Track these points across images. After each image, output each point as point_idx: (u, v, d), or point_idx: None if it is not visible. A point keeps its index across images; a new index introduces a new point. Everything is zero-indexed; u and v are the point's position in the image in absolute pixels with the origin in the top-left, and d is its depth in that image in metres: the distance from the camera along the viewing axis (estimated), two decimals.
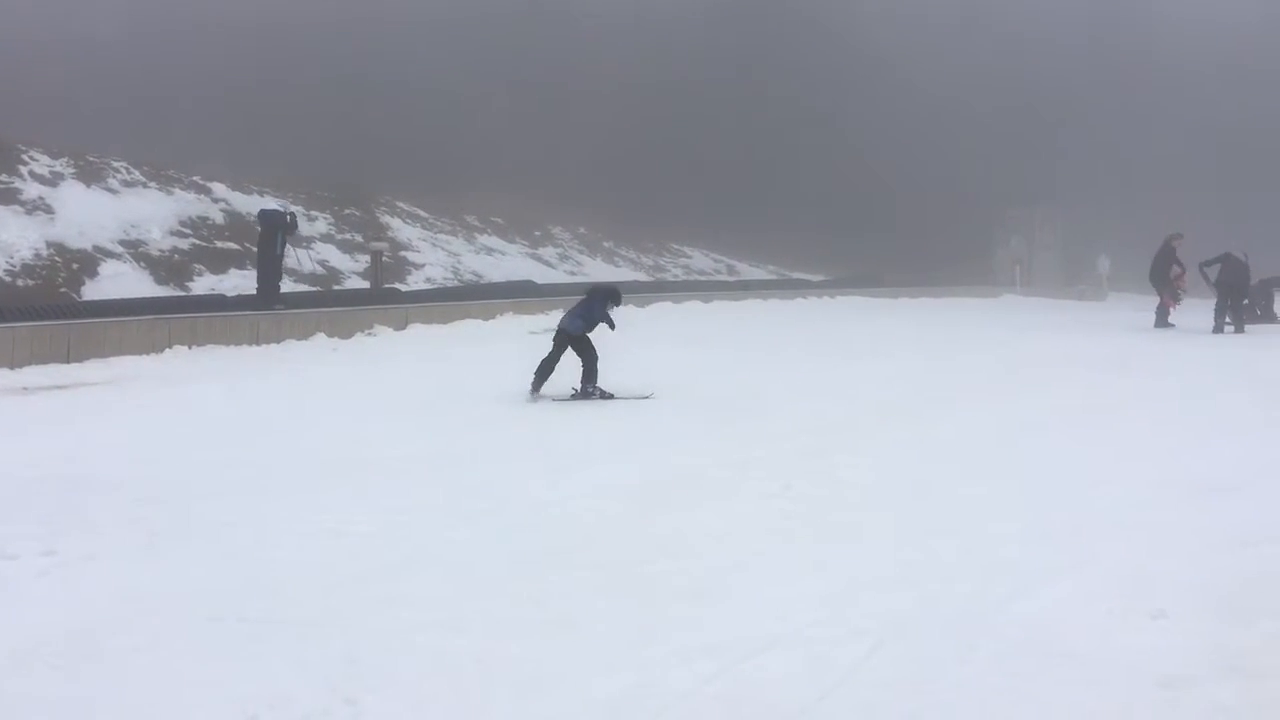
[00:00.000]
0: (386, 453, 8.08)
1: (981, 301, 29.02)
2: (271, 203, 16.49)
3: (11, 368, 11.15)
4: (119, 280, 15.04)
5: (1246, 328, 19.17)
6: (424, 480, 7.20)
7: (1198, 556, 5.51)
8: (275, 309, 14.96)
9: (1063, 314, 25.11)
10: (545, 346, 10.84)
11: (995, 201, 38.61)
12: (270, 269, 15.40)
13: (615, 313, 10.79)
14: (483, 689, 4.02)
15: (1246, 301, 19.59)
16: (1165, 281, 19.99)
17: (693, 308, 21.60)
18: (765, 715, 3.82)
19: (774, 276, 31.66)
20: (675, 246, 32.73)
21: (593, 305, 10.62)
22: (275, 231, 15.39)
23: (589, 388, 10.39)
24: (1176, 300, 20.10)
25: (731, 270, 32.31)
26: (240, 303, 15.16)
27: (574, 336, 10.44)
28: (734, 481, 7.30)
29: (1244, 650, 4.32)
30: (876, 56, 40.33)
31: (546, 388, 10.48)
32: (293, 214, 16.28)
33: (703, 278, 29.67)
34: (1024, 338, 17.59)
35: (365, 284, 18.39)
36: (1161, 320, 20.00)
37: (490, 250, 24.24)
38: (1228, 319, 19.01)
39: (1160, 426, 9.30)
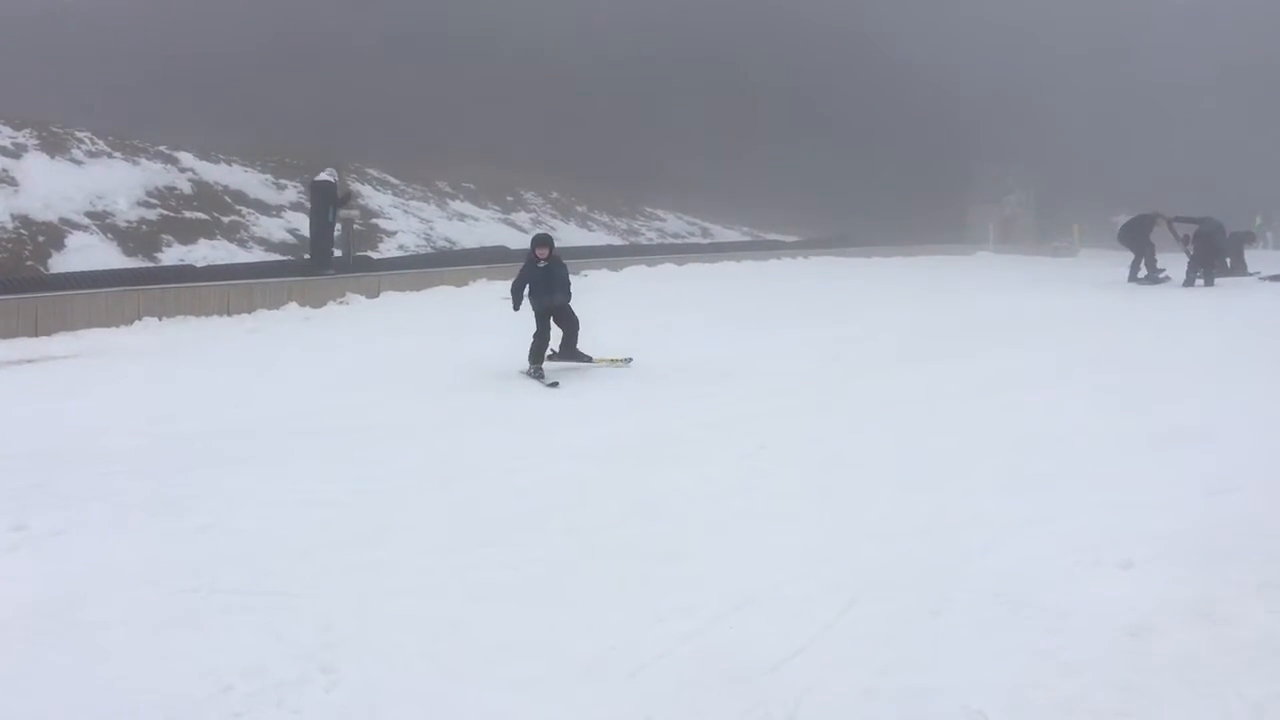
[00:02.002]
0: (359, 421, 8.04)
1: (957, 259, 29.08)
2: (322, 175, 16.99)
3: None
4: (87, 252, 14.81)
5: (1216, 280, 19.48)
6: (397, 448, 7.17)
7: (1166, 506, 5.57)
8: (327, 274, 15.99)
9: (1036, 271, 25.21)
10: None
11: (969, 160, 38.64)
12: (322, 237, 16.37)
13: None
14: (459, 654, 4.03)
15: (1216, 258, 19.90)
16: (1144, 245, 20.30)
17: (666, 270, 21.55)
18: (741, 672, 3.85)
19: (748, 238, 31.60)
20: (649, 210, 32.60)
21: (564, 272, 9.97)
22: (327, 203, 16.35)
23: (571, 353, 10.00)
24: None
25: (705, 233, 32.22)
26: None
27: (561, 307, 9.86)
28: (708, 442, 7.31)
29: (1212, 599, 4.38)
30: (848, 19, 40.12)
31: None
32: (347, 190, 17.53)
33: (676, 240, 29.59)
34: (998, 294, 17.65)
35: (337, 252, 18.23)
36: (1140, 275, 20.36)
37: (462, 216, 24.06)
38: (1199, 273, 19.33)
39: (1130, 378, 9.37)
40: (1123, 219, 20.82)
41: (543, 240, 9.99)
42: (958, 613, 4.33)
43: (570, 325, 9.96)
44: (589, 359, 10.03)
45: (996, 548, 5.05)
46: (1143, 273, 20.47)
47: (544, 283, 9.72)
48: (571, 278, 10.05)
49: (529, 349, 9.67)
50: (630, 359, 10.23)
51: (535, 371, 9.57)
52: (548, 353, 9.82)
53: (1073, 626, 4.18)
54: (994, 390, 9.00)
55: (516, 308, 9.80)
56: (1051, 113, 40.02)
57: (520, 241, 22.06)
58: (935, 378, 9.62)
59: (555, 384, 9.28)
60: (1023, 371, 9.91)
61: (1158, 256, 20.44)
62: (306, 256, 16.69)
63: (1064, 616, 4.27)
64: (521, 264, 10.07)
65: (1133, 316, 14.54)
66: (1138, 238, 20.46)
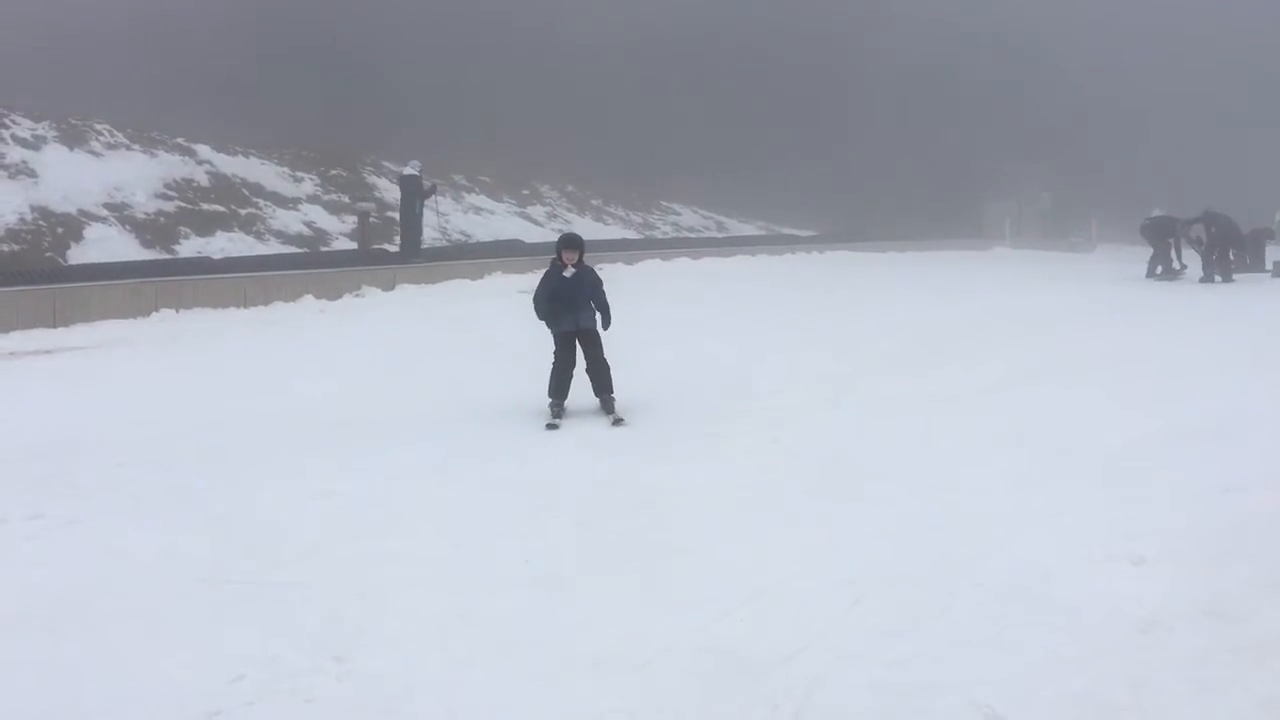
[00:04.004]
0: (372, 413, 8.09)
1: (973, 255, 28.98)
2: (410, 169, 17.92)
3: None
4: (105, 244, 14.91)
5: (1235, 276, 19.46)
6: (410, 440, 7.20)
7: (1179, 503, 5.55)
8: (416, 262, 17.17)
9: (1053, 266, 25.12)
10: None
11: (986, 156, 38.47)
12: (411, 227, 17.66)
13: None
14: (469, 645, 4.05)
15: (1234, 253, 19.87)
16: (1164, 244, 20.35)
17: (682, 264, 21.55)
18: (750, 665, 3.86)
19: (763, 232, 31.55)
20: (664, 204, 32.59)
21: (597, 284, 8.03)
22: (415, 195, 17.56)
23: (612, 398, 7.97)
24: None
25: (721, 226, 32.19)
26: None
27: (589, 332, 7.96)
28: (720, 436, 7.32)
29: (1223, 596, 4.36)
30: (867, 12, 39.99)
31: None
32: (433, 183, 18.72)
33: (692, 234, 29.57)
34: (1016, 290, 17.60)
35: (352, 245, 18.30)
36: (1158, 271, 20.41)
37: (478, 209, 24.10)
38: (1216, 270, 19.38)
39: (1148, 374, 9.33)
40: (1156, 212, 20.74)
41: (570, 242, 8.05)
42: (967, 608, 4.32)
43: (598, 368, 7.93)
44: (613, 411, 7.89)
45: (1007, 544, 5.05)
46: (1159, 269, 20.50)
47: (570, 297, 7.88)
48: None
49: (549, 381, 7.90)
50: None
51: (555, 409, 7.78)
52: (613, 419, 7.75)
53: (1083, 622, 4.17)
54: (1006, 387, 8.97)
55: (551, 325, 8.01)
56: (1070, 107, 39.82)
57: (535, 235, 22.11)
58: (948, 374, 9.59)
59: (555, 425, 7.60)
60: (1036, 368, 9.86)
61: (1174, 254, 20.42)
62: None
63: (1075, 612, 4.26)
64: (545, 270, 8.15)
65: (1150, 313, 14.47)
66: (1160, 236, 20.45)
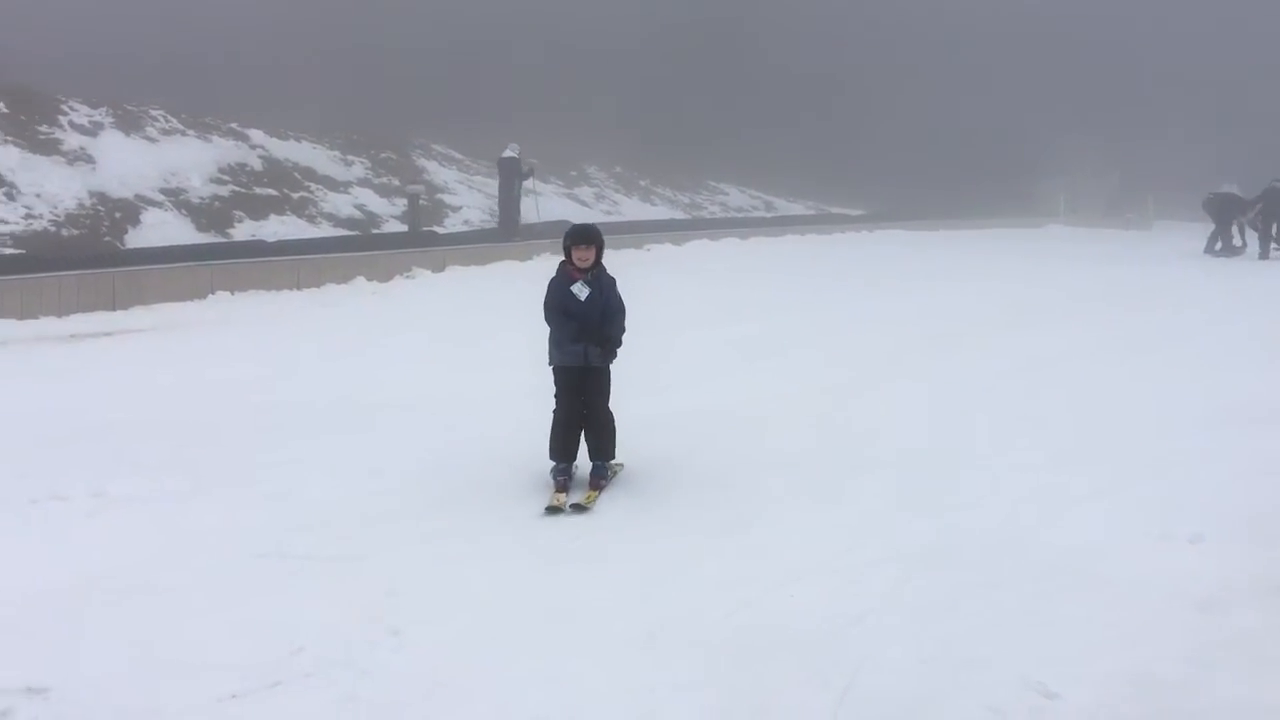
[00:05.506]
0: (424, 392, 8.17)
1: (1027, 233, 28.61)
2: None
3: (59, 316, 11.33)
4: (161, 229, 15.14)
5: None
6: (461, 419, 7.27)
7: (1237, 481, 5.48)
8: (514, 241, 18.03)
9: (1109, 244, 24.74)
10: None
11: (1041, 132, 37.85)
12: (510, 207, 18.69)
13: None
14: (522, 619, 4.10)
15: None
16: (1226, 221, 20.03)
17: (730, 244, 21.49)
18: (800, 641, 3.88)
19: (812, 212, 31.36)
20: (712, 184, 32.47)
21: (616, 295, 5.80)
22: (513, 177, 18.51)
23: (610, 467, 5.89)
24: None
25: (769, 207, 32.02)
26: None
27: (596, 369, 5.78)
28: (767, 416, 7.33)
29: None
30: None
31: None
32: (531, 164, 19.27)
33: (740, 214, 29.45)
34: (1072, 268, 17.37)
35: (403, 227, 18.46)
36: (1217, 247, 20.12)
37: (526, 191, 24.17)
38: (1275, 244, 19.11)
39: (1202, 351, 9.19)
40: (1224, 188, 20.36)
41: (585, 235, 5.76)
42: (1018, 585, 4.30)
43: (598, 425, 5.80)
44: (600, 485, 5.72)
45: (1057, 521, 5.02)
46: (1219, 245, 20.15)
47: (580, 314, 5.66)
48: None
49: (549, 438, 5.83)
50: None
51: (559, 478, 5.66)
52: (591, 489, 5.66)
53: (1138, 599, 4.14)
54: (1056, 363, 8.88)
55: (552, 352, 5.81)
56: (1131, 83, 39.02)
57: (582, 217, 22.11)
58: (996, 352, 9.53)
59: (556, 509, 5.37)
60: (1088, 346, 9.75)
61: (1237, 230, 20.08)
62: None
63: (1130, 589, 4.23)
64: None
65: (1208, 289, 14.23)
66: (1223, 212, 20.10)
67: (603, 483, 5.70)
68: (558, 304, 5.67)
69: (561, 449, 5.75)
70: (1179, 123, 38.15)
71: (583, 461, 5.81)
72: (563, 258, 5.79)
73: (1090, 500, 5.30)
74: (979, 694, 3.47)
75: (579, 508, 5.37)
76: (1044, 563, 4.50)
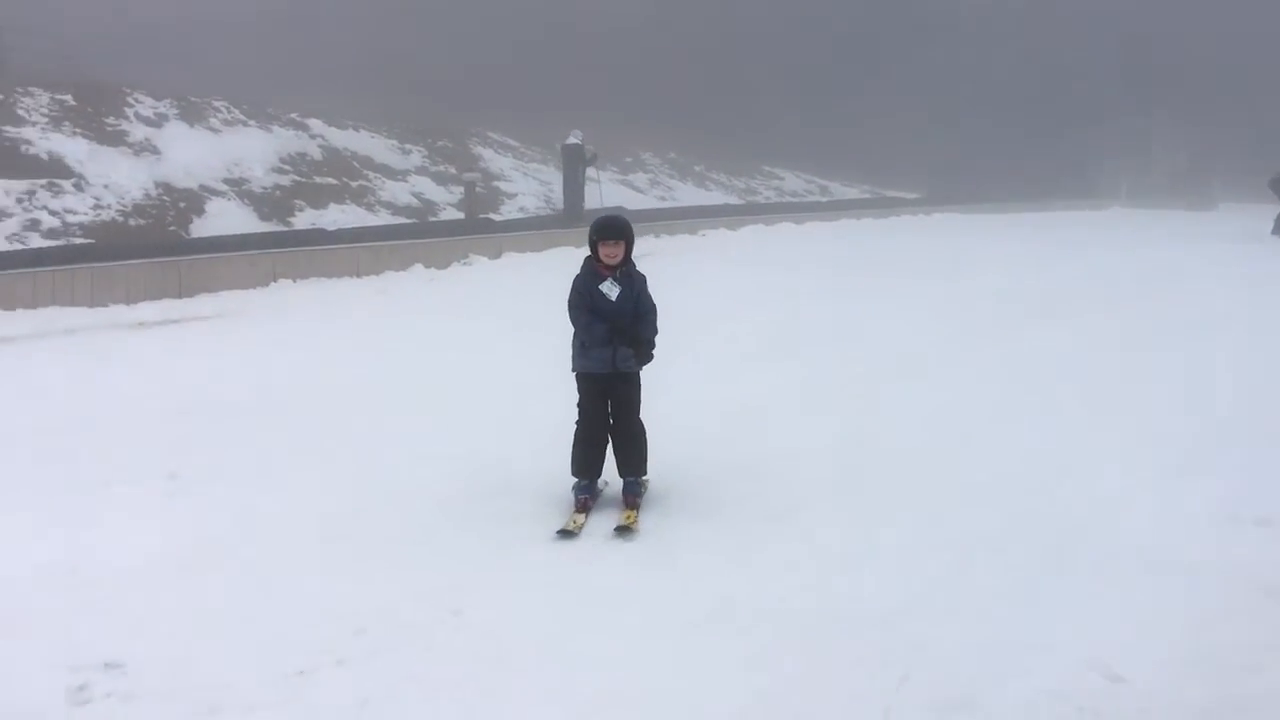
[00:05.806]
0: (489, 377, 8.24)
1: (1090, 215, 28.14)
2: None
3: (128, 304, 11.58)
4: (224, 217, 15.43)
5: None
6: (525, 404, 7.31)
7: None
8: (579, 227, 17.38)
9: (1176, 225, 24.26)
10: None
11: (1102, 113, 37.15)
12: (574, 193, 18.96)
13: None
14: (582, 601, 4.14)
15: None
16: None
17: (785, 229, 21.38)
18: (857, 624, 3.87)
19: (868, 196, 31.09)
20: (767, 169, 32.31)
21: (647, 294, 5.30)
22: (577, 163, 18.82)
23: (642, 483, 5.37)
24: None
25: (824, 191, 31.81)
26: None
27: (626, 375, 5.23)
28: (817, 403, 7.31)
29: None
30: None
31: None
32: (594, 151, 19.41)
33: (795, 199, 29.28)
34: (1138, 250, 17.08)
35: (460, 215, 18.61)
36: (1277, 228, 19.65)
37: (588, 178, 24.22)
38: None
39: (1271, 337, 9.00)
40: None
41: (612, 227, 5.32)
42: (1082, 569, 4.26)
43: (628, 437, 5.29)
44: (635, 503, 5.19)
45: (1125, 504, 4.95)
46: None
47: (611, 315, 5.18)
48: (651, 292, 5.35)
49: (571, 452, 5.31)
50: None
51: (581, 496, 5.19)
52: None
53: (1205, 583, 4.09)
54: (1122, 348, 8.75)
55: (577, 357, 5.29)
56: (1197, 63, 38.10)
57: (639, 203, 22.10)
58: (1060, 335, 9.39)
59: (569, 532, 4.85)
60: (1156, 329, 9.59)
61: None
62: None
63: (1196, 573, 4.17)
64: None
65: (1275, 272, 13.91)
66: None
67: (638, 500, 5.19)
68: (585, 304, 5.16)
69: (584, 465, 5.25)
70: (1247, 104, 37.24)
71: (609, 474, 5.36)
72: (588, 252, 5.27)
73: (1160, 483, 5.23)
74: (1041, 678, 3.44)
75: (623, 530, 4.86)
76: (1107, 547, 4.45)
